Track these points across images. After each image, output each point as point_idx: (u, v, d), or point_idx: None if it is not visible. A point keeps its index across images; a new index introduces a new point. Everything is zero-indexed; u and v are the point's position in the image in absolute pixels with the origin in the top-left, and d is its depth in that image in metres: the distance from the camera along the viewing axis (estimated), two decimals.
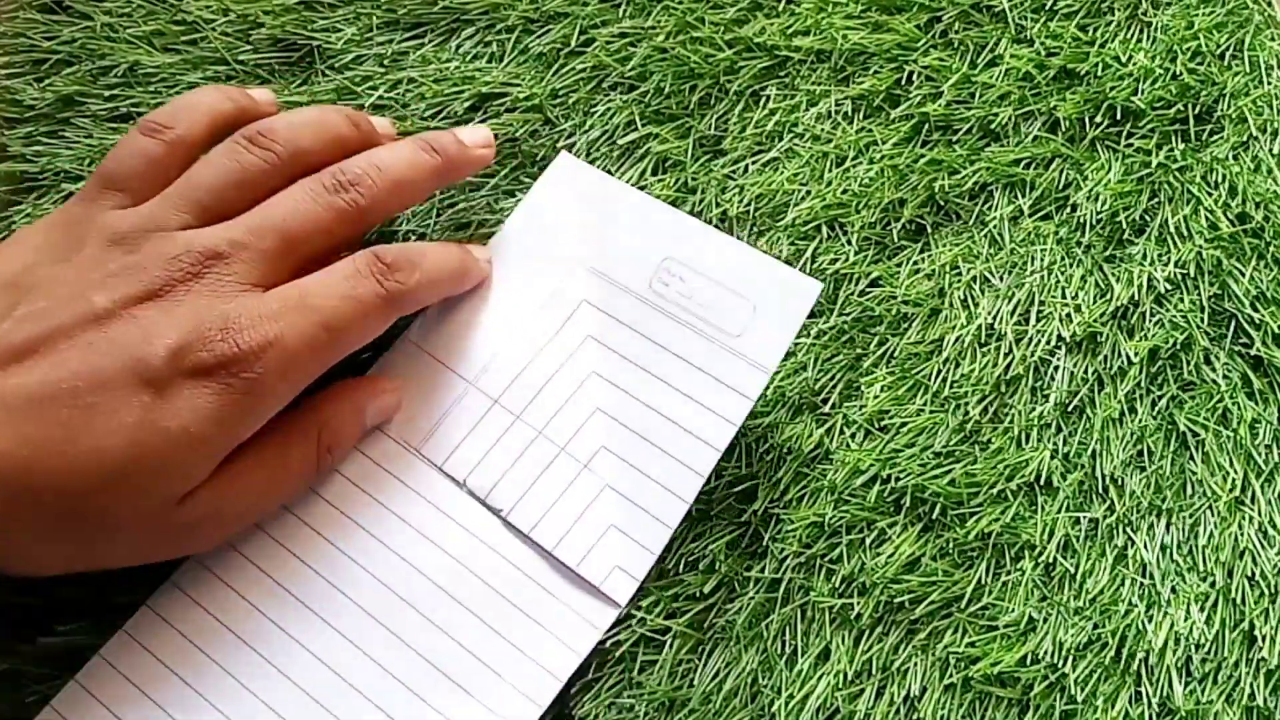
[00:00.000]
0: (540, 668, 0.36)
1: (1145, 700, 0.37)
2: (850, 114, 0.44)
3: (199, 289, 0.34)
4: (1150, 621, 0.37)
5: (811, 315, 0.41)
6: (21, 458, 0.31)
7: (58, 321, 0.33)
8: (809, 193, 0.42)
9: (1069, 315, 0.41)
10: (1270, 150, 0.42)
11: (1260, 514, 0.38)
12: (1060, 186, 0.42)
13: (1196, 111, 0.42)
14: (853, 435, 0.40)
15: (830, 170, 0.43)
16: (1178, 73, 0.43)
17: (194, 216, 0.36)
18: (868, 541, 0.39)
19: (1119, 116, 0.43)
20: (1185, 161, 0.42)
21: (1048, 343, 0.40)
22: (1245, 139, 0.42)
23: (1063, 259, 0.41)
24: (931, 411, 0.40)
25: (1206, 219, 0.41)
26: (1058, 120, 0.43)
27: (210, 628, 0.37)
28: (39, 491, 0.32)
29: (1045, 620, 0.38)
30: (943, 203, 0.42)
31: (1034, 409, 0.40)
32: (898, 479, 0.39)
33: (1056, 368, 0.40)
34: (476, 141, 0.41)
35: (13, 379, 0.32)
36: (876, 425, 0.40)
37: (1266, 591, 0.38)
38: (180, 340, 0.33)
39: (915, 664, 0.38)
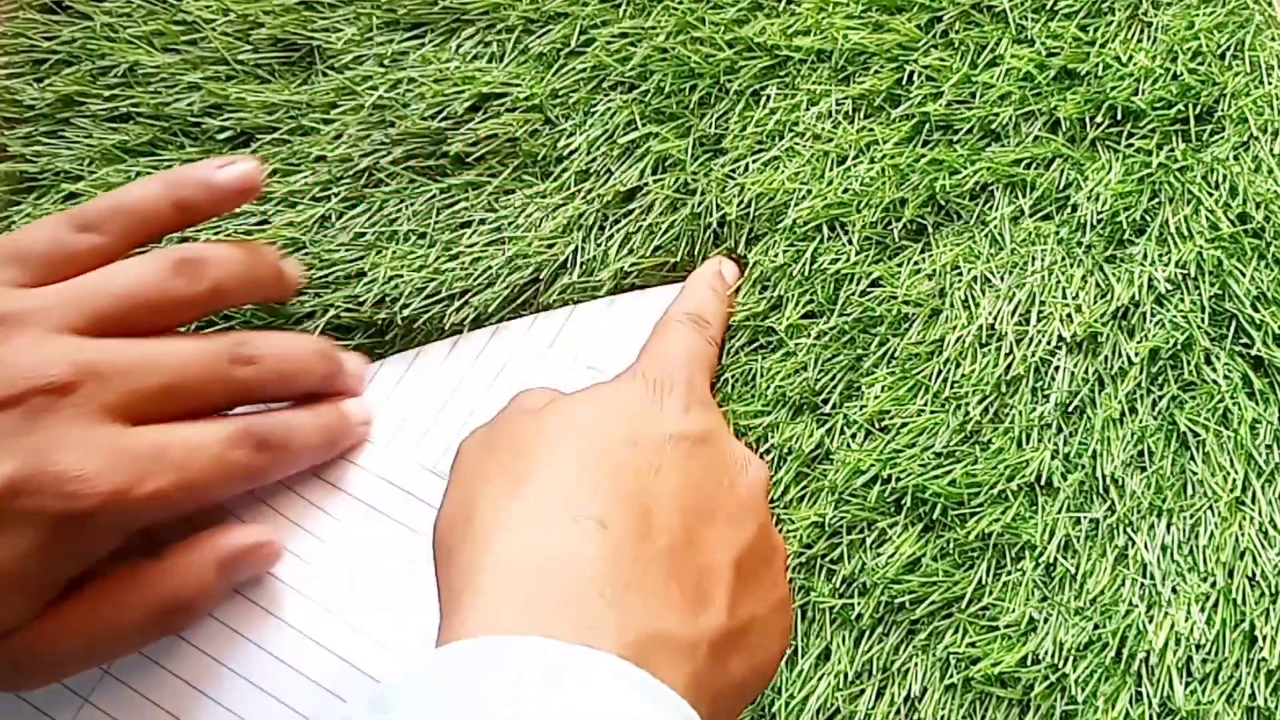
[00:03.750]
0: None
1: (1146, 700, 0.37)
2: (851, 114, 0.43)
3: (59, 410, 0.31)
4: (1151, 622, 0.37)
5: (812, 315, 0.41)
6: None
7: None
8: (810, 192, 0.42)
9: (1069, 315, 0.41)
10: (1271, 150, 0.42)
11: (1261, 514, 0.38)
12: (1061, 187, 0.42)
13: (1197, 112, 0.42)
14: (853, 435, 0.40)
15: (831, 170, 0.43)
16: (1178, 73, 0.42)
17: (87, 324, 0.34)
18: (868, 542, 0.39)
19: (1119, 116, 0.43)
20: (1186, 161, 0.42)
21: (1048, 343, 0.40)
22: (1246, 139, 0.42)
23: (1063, 259, 0.41)
24: (932, 412, 0.40)
25: (1207, 219, 0.41)
26: (1058, 120, 0.43)
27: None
28: None
29: (1046, 620, 0.38)
30: (943, 203, 0.42)
31: (1034, 409, 0.40)
32: (898, 479, 0.39)
33: (1057, 368, 0.40)
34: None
35: None
36: (877, 425, 0.40)
37: (1267, 592, 0.38)
38: (20, 475, 0.31)
39: (916, 664, 0.38)
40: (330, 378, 0.40)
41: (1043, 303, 0.41)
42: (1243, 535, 0.38)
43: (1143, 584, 0.38)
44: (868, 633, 0.38)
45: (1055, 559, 0.38)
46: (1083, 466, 0.39)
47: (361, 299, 0.43)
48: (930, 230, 0.42)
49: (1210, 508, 0.39)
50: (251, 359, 0.36)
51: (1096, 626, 0.37)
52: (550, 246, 0.43)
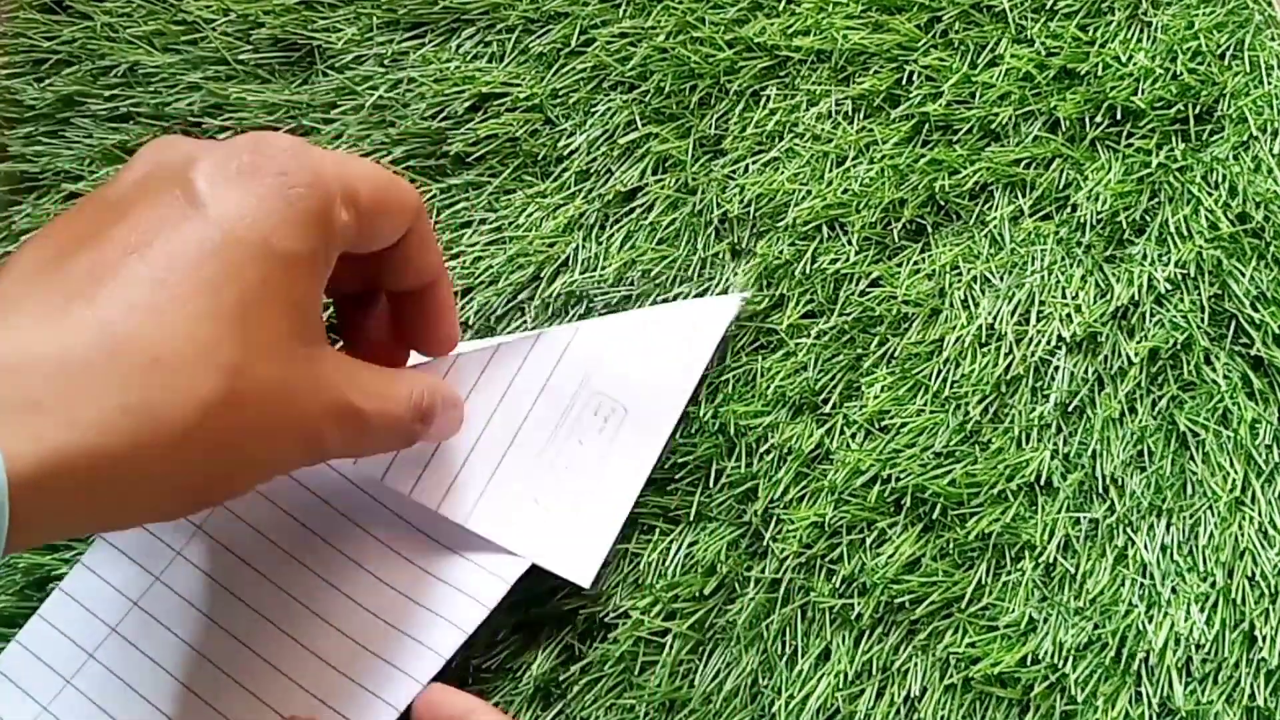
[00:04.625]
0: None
1: (1145, 700, 0.37)
2: (850, 114, 0.44)
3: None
4: (1150, 622, 0.37)
5: (812, 315, 0.41)
6: None
7: None
8: (809, 193, 0.42)
9: (1069, 315, 0.41)
10: (1270, 150, 0.42)
11: (1260, 514, 0.38)
12: (1060, 186, 0.42)
13: (1196, 111, 0.42)
14: (853, 435, 0.40)
15: (831, 170, 0.43)
16: (1178, 73, 0.42)
17: None
18: (868, 542, 0.39)
19: (1119, 116, 0.43)
20: (1185, 161, 0.42)
21: (1048, 343, 0.40)
22: (1245, 139, 0.42)
23: (1063, 259, 0.41)
24: (932, 412, 0.40)
25: (1207, 219, 0.41)
26: (1058, 120, 0.43)
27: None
28: None
29: (1045, 620, 0.38)
30: (943, 203, 0.42)
31: (1034, 409, 0.40)
32: (898, 479, 0.39)
33: (1057, 368, 0.40)
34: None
35: None
36: (877, 425, 0.40)
37: (1267, 592, 0.38)
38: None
39: (915, 664, 0.38)
40: None
41: (1042, 303, 0.41)
42: (1242, 535, 0.38)
43: (1142, 584, 0.38)
44: (867, 633, 0.38)
45: (1055, 559, 0.38)
46: (1082, 466, 0.39)
47: None
48: (930, 230, 0.42)
49: (1210, 508, 0.39)
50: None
51: (1096, 626, 0.37)
52: (551, 246, 0.43)
